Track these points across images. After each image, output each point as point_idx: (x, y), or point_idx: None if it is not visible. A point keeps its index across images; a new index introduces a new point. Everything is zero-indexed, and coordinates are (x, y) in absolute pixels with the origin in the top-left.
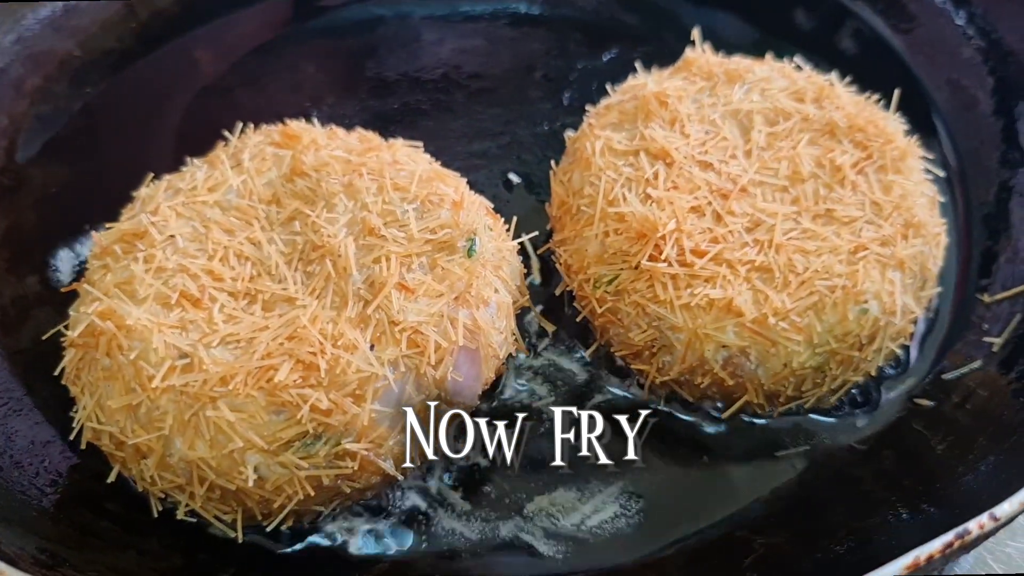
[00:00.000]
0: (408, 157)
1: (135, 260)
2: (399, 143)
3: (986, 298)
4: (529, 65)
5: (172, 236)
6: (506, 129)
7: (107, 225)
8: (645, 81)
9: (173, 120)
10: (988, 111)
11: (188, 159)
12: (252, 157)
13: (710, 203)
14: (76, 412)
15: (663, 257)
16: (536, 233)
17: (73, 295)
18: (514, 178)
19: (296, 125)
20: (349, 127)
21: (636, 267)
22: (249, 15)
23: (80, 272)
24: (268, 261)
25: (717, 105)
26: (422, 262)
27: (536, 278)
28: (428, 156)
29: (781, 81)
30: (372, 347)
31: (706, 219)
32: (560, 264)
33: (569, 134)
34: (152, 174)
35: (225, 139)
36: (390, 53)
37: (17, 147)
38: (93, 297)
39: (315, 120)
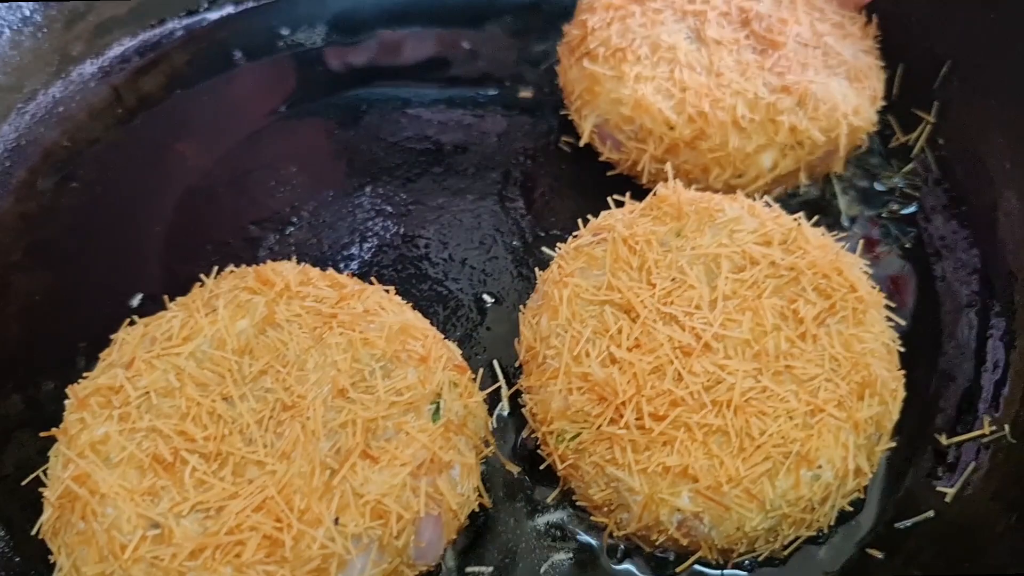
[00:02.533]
0: (379, 305)
1: (110, 418)
2: (371, 289)
3: (944, 439)
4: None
5: (147, 392)
6: (483, 244)
7: (84, 375)
8: (614, 222)
9: (158, 222)
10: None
11: (166, 300)
12: (226, 304)
13: (672, 362)
14: (55, 571)
15: (623, 423)
16: (500, 385)
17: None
18: (487, 299)
19: (270, 269)
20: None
21: (598, 427)
22: (234, 101)
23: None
24: (240, 420)
25: (685, 249)
26: (387, 426)
27: (505, 407)
28: (399, 300)
29: (750, 222)
30: (337, 520)
31: (667, 380)
32: (527, 410)
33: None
34: (128, 320)
35: (204, 264)
36: (372, 142)
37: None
38: (68, 459)
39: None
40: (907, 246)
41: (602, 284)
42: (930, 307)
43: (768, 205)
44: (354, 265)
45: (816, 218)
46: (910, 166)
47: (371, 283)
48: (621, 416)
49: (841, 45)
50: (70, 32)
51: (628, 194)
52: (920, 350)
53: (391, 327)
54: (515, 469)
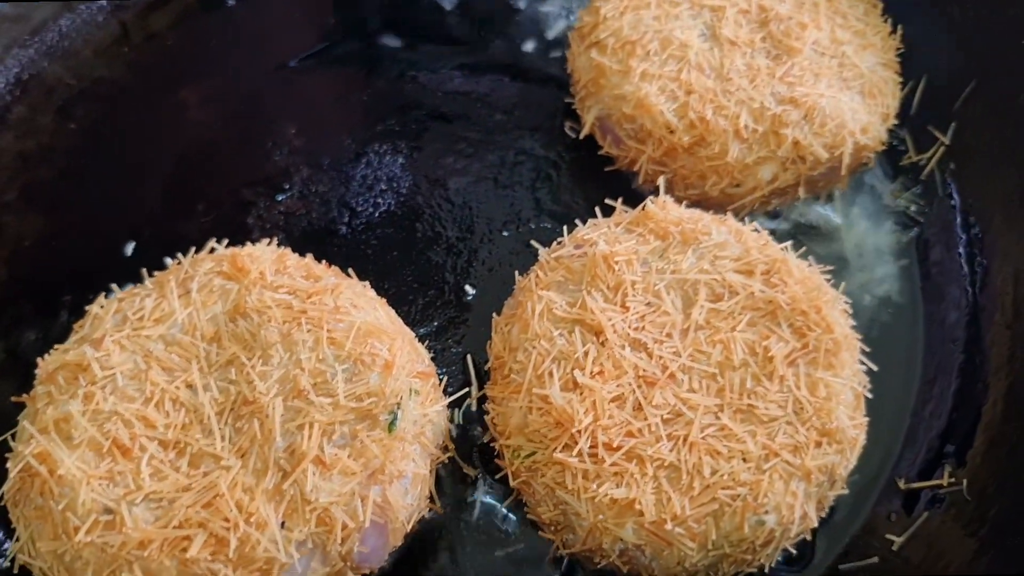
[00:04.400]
0: (351, 303)
1: (75, 396)
2: (345, 284)
3: (902, 484)
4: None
5: (114, 373)
6: (473, 231)
7: (55, 347)
8: (597, 236)
9: (155, 173)
10: None
11: (144, 272)
12: (200, 288)
13: (634, 391)
14: (14, 538)
15: (576, 451)
16: (466, 393)
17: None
18: (469, 290)
19: (247, 255)
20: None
21: (552, 451)
22: (243, 49)
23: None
24: (201, 409)
25: (665, 272)
26: (343, 432)
27: (473, 405)
28: (373, 295)
29: (735, 248)
30: (283, 524)
31: (626, 409)
32: (488, 418)
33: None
34: (104, 293)
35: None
36: (377, 107)
37: None
38: (30, 434)
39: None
40: (897, 274)
41: (576, 301)
42: (911, 342)
43: (757, 230)
44: (337, 243)
45: (811, 234)
46: (918, 188)
47: (349, 273)
48: (575, 443)
49: (859, 56)
50: None
51: (620, 200)
52: (892, 390)
53: (359, 328)
54: (472, 472)
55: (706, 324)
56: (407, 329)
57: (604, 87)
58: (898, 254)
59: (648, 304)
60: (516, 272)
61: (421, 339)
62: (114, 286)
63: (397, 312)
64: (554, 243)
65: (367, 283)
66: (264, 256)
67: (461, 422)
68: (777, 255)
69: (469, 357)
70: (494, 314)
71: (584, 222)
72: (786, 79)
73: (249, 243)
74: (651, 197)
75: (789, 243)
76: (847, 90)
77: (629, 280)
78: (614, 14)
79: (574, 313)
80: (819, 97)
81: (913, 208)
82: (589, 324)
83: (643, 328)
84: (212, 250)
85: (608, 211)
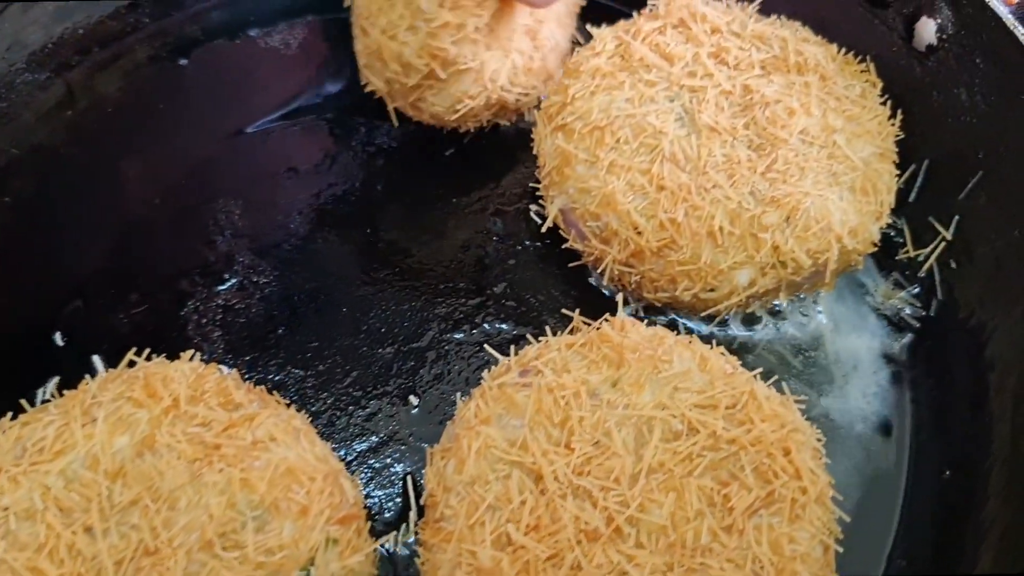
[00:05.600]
0: (270, 436)
1: None
2: (265, 414)
3: None
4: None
5: (7, 513)
6: (420, 331)
7: None
8: (544, 363)
9: (89, 257)
10: None
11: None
12: (107, 416)
13: (573, 548)
14: None
15: None
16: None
17: None
18: (413, 400)
19: (161, 378)
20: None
21: None
22: (193, 113)
23: None
24: (99, 558)
25: (618, 406)
26: None
27: (411, 535)
28: (299, 422)
29: (698, 379)
30: None
31: (563, 569)
32: (419, 561)
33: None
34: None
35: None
36: (331, 185)
37: None
38: None
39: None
40: (886, 389)
41: (517, 440)
42: (894, 476)
43: (724, 353)
44: (275, 343)
45: (791, 341)
46: (914, 287)
47: (276, 392)
48: None
49: (853, 145)
50: (27, 15)
51: (578, 311)
52: (869, 534)
53: (277, 466)
54: None
55: (659, 467)
56: (334, 462)
57: (569, 177)
58: (887, 365)
59: (596, 444)
60: (466, 379)
61: (359, 456)
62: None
63: (335, 424)
64: (501, 363)
65: (293, 407)
66: (180, 378)
67: (395, 550)
68: (744, 387)
69: (409, 479)
70: (428, 448)
71: (542, 324)
72: (768, 174)
73: (183, 334)
74: (607, 316)
75: (759, 370)
76: (836, 186)
77: (576, 416)
78: (584, 94)
79: (514, 454)
80: (803, 196)
81: (908, 311)
82: (529, 467)
83: (588, 472)
84: (131, 363)
85: (567, 319)
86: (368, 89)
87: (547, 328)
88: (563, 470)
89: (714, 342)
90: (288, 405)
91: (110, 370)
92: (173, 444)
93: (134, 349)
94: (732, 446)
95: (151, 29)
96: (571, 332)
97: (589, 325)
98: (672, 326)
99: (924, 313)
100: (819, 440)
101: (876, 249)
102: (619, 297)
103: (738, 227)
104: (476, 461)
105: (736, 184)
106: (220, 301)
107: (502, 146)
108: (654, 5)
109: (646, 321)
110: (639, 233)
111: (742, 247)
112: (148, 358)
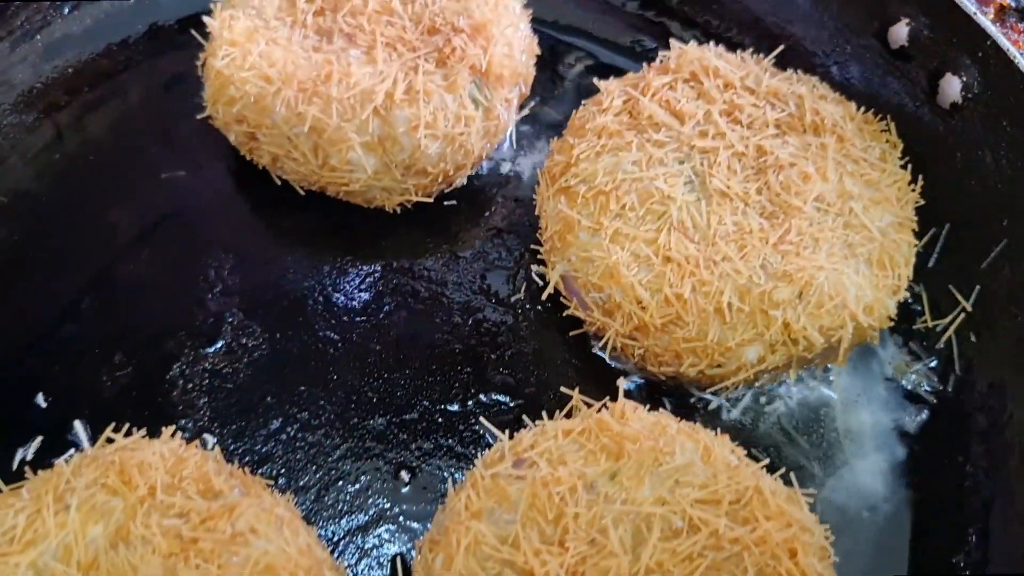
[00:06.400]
0: (251, 528)
1: None
2: (246, 503)
3: None
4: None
5: None
6: (413, 403)
7: None
8: (538, 454)
9: (75, 314)
10: None
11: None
12: (80, 504)
13: None
14: None
15: None
16: None
17: None
18: (404, 475)
19: (137, 465)
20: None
21: None
22: (187, 157)
23: None
24: None
25: (615, 501)
26: None
27: None
28: (283, 509)
29: (701, 472)
30: None
31: None
32: None
33: (450, 487)
34: None
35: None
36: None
37: None
38: None
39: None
40: (898, 469)
41: (508, 537)
42: (899, 563)
43: (733, 450)
44: (263, 415)
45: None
46: (931, 360)
47: (262, 465)
48: None
49: (870, 213)
50: (15, 53)
51: (577, 390)
52: None
53: (257, 562)
54: None
55: (658, 568)
56: (319, 552)
57: (571, 244)
58: (900, 442)
59: (591, 542)
60: (460, 454)
61: (348, 534)
62: None
63: (322, 500)
64: (494, 448)
65: (277, 492)
66: (158, 462)
67: None
68: (749, 481)
69: (399, 560)
70: (419, 533)
71: (540, 398)
72: (781, 246)
73: (168, 399)
74: (607, 401)
75: (765, 462)
76: (852, 258)
77: (571, 512)
78: (588, 155)
79: (504, 552)
80: (817, 271)
81: (924, 386)
82: (520, 567)
83: (583, 573)
84: (109, 440)
85: (566, 394)
86: None
87: (545, 402)
88: (556, 571)
89: (719, 428)
90: (273, 484)
91: (85, 452)
92: (148, 536)
93: (113, 425)
94: (735, 546)
95: (144, 67)
96: (570, 412)
97: (589, 406)
98: (677, 394)
99: (941, 388)
100: (827, 538)
101: (891, 324)
102: (621, 382)
103: (748, 303)
104: (465, 558)
105: (747, 256)
106: (207, 365)
107: (505, 197)
108: (665, 57)
109: (648, 396)
110: (643, 308)
111: (751, 324)
112: (128, 432)
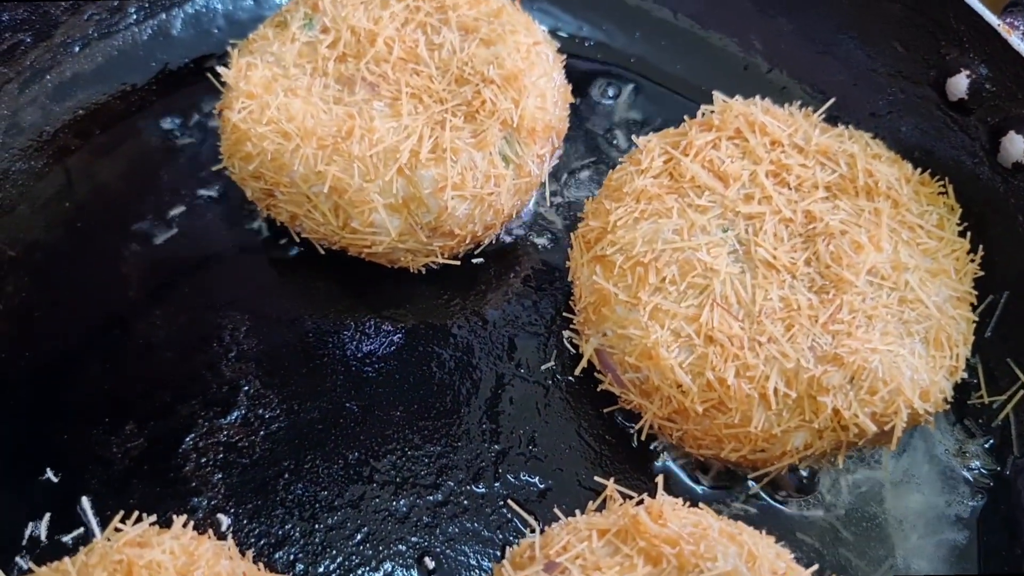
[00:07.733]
0: None
1: None
2: None
3: None
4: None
5: None
6: (439, 485)
7: None
8: (570, 560)
9: (84, 378)
10: None
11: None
12: None
13: None
14: None
15: None
16: None
17: None
18: (429, 562)
19: (145, 563)
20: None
21: None
22: (207, 207)
23: None
24: None
25: None
26: None
27: None
28: None
29: None
30: None
31: None
32: None
33: None
34: None
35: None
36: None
37: None
38: None
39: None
40: (952, 560)
41: None
42: None
43: (778, 554)
44: (281, 495)
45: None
46: (987, 440)
47: (279, 558)
48: None
49: (927, 287)
50: (24, 95)
51: (612, 480)
52: None
53: None
54: None
55: None
56: None
57: (607, 318)
58: (954, 530)
59: None
60: (487, 539)
61: None
62: None
63: None
64: (523, 544)
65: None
66: (167, 562)
67: None
68: None
69: None
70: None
71: (572, 480)
72: (831, 325)
73: (181, 474)
74: (645, 498)
75: (814, 567)
76: (907, 337)
77: None
78: (626, 222)
79: None
80: (871, 353)
81: (979, 466)
82: None
83: None
84: (117, 528)
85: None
86: None
87: (577, 483)
88: None
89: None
90: (291, 570)
91: (93, 542)
92: None
93: (121, 513)
94: None
95: (157, 108)
96: (603, 503)
97: (624, 496)
98: (717, 476)
99: (998, 470)
100: None
101: (947, 407)
102: (659, 479)
103: (795, 389)
104: None
105: (794, 337)
106: (222, 437)
107: (536, 255)
108: (708, 111)
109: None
110: (683, 392)
111: (798, 411)
112: (139, 518)
